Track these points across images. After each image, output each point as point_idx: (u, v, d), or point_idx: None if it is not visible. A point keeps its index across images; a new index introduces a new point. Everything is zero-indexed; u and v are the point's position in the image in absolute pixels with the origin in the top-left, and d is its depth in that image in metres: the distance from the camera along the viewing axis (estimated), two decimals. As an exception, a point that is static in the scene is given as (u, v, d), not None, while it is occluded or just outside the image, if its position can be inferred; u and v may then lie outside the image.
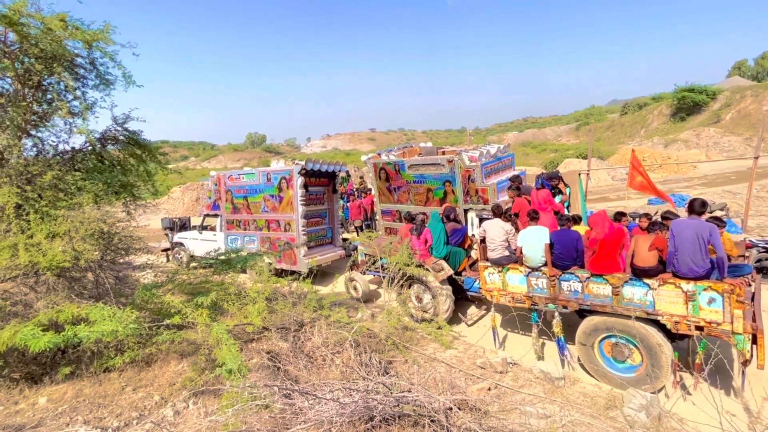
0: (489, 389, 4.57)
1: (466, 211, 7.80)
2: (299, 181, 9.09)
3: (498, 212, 6.17)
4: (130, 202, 6.18)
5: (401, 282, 6.85)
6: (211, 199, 10.85)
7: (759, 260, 7.47)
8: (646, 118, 45.05)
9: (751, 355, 4.03)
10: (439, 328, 6.09)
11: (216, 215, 10.80)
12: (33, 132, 5.42)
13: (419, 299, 7.03)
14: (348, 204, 14.04)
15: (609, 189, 21.28)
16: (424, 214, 8.02)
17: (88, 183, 5.29)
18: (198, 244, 11.03)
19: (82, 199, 5.11)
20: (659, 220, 5.12)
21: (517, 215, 6.29)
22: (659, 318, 4.43)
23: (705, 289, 4.13)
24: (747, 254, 5.43)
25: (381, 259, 7.65)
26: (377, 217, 9.92)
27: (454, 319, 6.82)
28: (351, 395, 3.20)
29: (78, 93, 5.35)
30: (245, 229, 10.26)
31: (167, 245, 12.17)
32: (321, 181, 10.49)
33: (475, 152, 8.03)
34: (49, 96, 5.34)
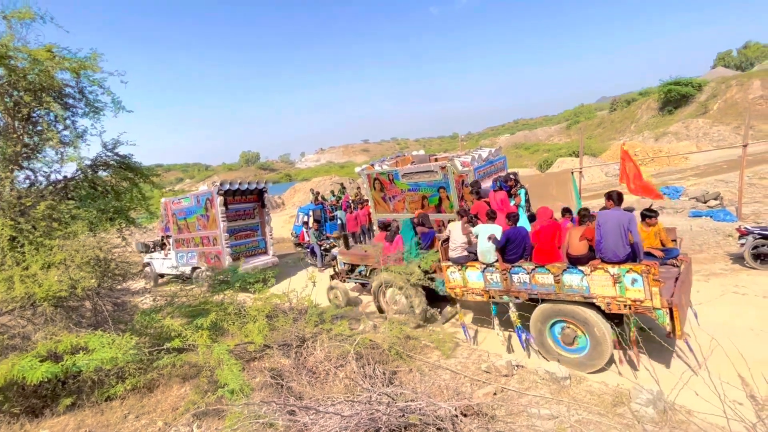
0: (495, 393, 4.53)
1: (462, 216, 7.84)
2: (218, 200, 10.42)
3: (462, 215, 6.55)
4: (125, 227, 6.18)
5: (378, 287, 7.23)
6: (163, 222, 12.36)
7: (755, 247, 7.50)
8: (635, 114, 45.53)
9: (673, 327, 4.36)
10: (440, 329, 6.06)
11: (168, 236, 12.28)
12: (24, 164, 5.44)
13: (395, 302, 7.27)
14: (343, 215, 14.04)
15: (603, 185, 21.37)
16: (396, 221, 8.26)
17: (82, 211, 5.30)
18: (160, 262, 12.67)
19: (76, 228, 5.10)
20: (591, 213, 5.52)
21: (477, 216, 6.63)
22: (595, 300, 4.80)
23: (628, 272, 4.51)
24: (676, 239, 6.16)
25: (359, 267, 8.08)
26: (374, 227, 9.93)
27: (437, 320, 7.07)
28: (353, 407, 3.17)
29: (68, 122, 5.39)
30: (188, 246, 11.72)
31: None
32: (248, 198, 11.90)
33: (467, 157, 8.09)
34: (39, 127, 5.37)
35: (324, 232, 13.19)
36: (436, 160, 9.13)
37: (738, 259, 8.00)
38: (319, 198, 15.05)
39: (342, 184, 17.24)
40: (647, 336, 4.56)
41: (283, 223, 23.81)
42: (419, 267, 6.65)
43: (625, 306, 4.60)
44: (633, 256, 4.64)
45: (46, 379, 3.87)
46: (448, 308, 7.38)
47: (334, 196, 15.47)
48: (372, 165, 9.51)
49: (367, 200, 10.53)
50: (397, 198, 8.97)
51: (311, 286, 6.83)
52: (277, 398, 3.88)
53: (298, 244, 14.74)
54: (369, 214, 10.86)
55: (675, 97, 40.21)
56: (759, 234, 7.52)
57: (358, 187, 20.13)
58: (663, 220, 10.98)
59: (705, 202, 13.31)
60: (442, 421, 3.21)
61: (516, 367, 5.21)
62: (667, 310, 4.36)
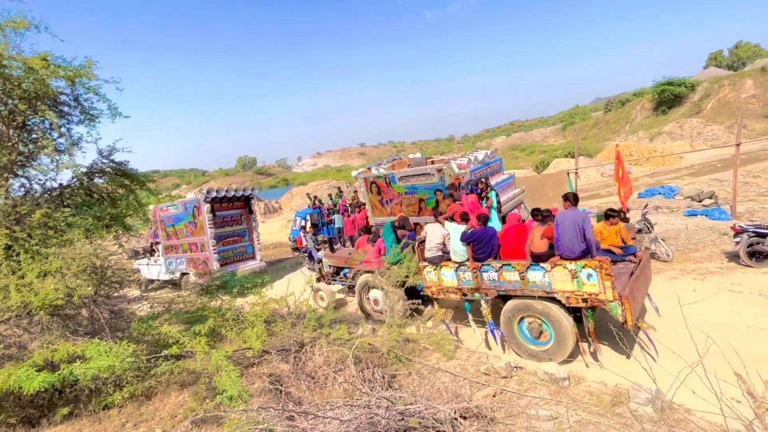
0: (494, 395, 4.53)
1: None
2: (205, 207, 10.77)
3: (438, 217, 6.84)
4: (121, 234, 6.16)
5: (361, 289, 7.54)
6: (151, 229, 12.63)
7: (750, 245, 7.55)
8: (629, 114, 45.80)
9: (625, 318, 4.66)
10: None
11: (157, 243, 12.60)
12: (20, 172, 5.42)
13: (376, 302, 7.49)
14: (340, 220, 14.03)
15: (599, 186, 21.49)
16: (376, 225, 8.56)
17: (78, 218, 5.28)
18: (149, 268, 12.93)
19: (72, 236, 5.08)
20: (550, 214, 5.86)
21: (452, 218, 6.87)
22: (556, 295, 5.07)
23: (583, 267, 4.85)
24: (635, 237, 6.55)
25: (344, 269, 8.45)
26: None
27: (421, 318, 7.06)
28: (353, 412, 3.17)
29: (63, 130, 5.38)
30: (176, 253, 12.01)
31: None
32: (235, 204, 12.29)
33: (463, 159, 8.12)
34: (34, 135, 5.36)
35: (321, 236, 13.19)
36: (432, 162, 9.15)
37: (733, 257, 8.04)
38: (317, 202, 15.04)
39: (339, 188, 17.23)
40: (643, 335, 4.58)
41: (280, 228, 23.78)
42: (408, 269, 6.82)
43: (582, 299, 4.90)
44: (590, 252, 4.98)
45: (42, 389, 3.85)
46: (429, 307, 7.54)
47: (331, 200, 15.46)
48: (369, 168, 9.53)
49: (364, 204, 10.54)
50: (394, 201, 8.99)
51: (309, 291, 6.82)
52: (275, 404, 3.87)
53: (295, 249, 14.72)
54: (366, 217, 10.89)
55: (668, 98, 40.48)
56: (754, 232, 7.57)
57: (355, 191, 20.13)
58: (659, 220, 11.07)
59: (700, 201, 13.39)
60: (441, 424, 3.21)
61: (515, 369, 5.22)
62: (619, 302, 4.67)
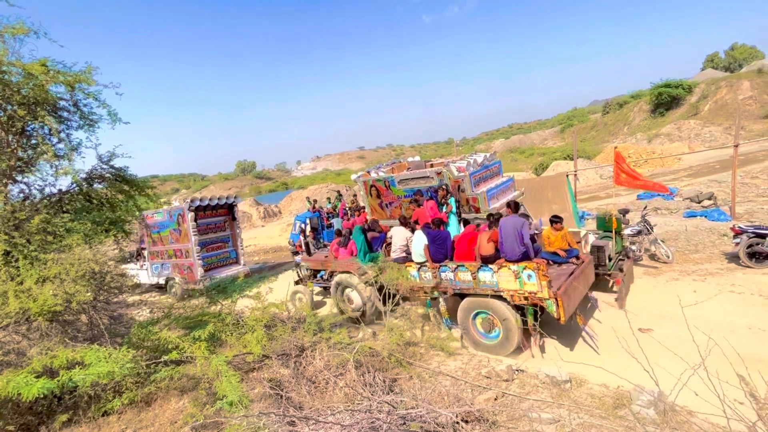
0: (496, 399, 4.51)
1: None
2: (189, 215, 11.18)
3: (403, 222, 7.36)
4: (121, 239, 6.15)
5: (336, 289, 7.92)
6: (138, 235, 12.86)
7: (750, 245, 7.56)
8: (627, 116, 45.95)
9: (559, 315, 5.15)
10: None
11: (144, 248, 13.10)
12: (19, 178, 5.41)
13: (351, 301, 7.83)
14: (337, 223, 14.00)
15: (599, 188, 21.52)
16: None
17: (77, 224, 5.27)
18: (136, 273, 12.92)
19: (71, 241, 5.06)
20: (494, 219, 6.24)
21: (417, 222, 7.32)
22: (502, 293, 5.61)
23: (524, 269, 5.37)
24: (580, 241, 7.14)
25: (320, 271, 8.83)
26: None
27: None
28: (354, 416, 3.15)
29: (62, 135, 5.37)
30: (162, 258, 12.45)
31: None
32: (219, 212, 12.89)
33: (462, 162, 8.12)
34: (33, 141, 5.36)
35: (321, 240, 13.16)
36: (431, 165, 9.15)
37: (733, 258, 8.05)
38: (316, 206, 15.01)
39: (338, 192, 17.22)
40: (645, 337, 4.57)
41: (280, 232, 23.76)
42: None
43: (524, 297, 5.44)
44: (533, 254, 5.57)
45: (41, 395, 3.81)
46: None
47: (330, 203, 15.44)
48: (368, 172, 9.52)
49: (363, 207, 10.53)
50: (394, 204, 8.98)
51: (311, 294, 6.82)
52: (276, 409, 3.84)
53: (295, 253, 14.69)
54: (366, 221, 10.89)
55: (666, 100, 40.61)
56: (753, 233, 7.57)
57: (355, 194, 20.10)
58: (658, 221, 11.09)
59: (699, 203, 13.41)
60: (443, 428, 3.19)
61: (516, 372, 5.20)
62: (554, 300, 5.19)
